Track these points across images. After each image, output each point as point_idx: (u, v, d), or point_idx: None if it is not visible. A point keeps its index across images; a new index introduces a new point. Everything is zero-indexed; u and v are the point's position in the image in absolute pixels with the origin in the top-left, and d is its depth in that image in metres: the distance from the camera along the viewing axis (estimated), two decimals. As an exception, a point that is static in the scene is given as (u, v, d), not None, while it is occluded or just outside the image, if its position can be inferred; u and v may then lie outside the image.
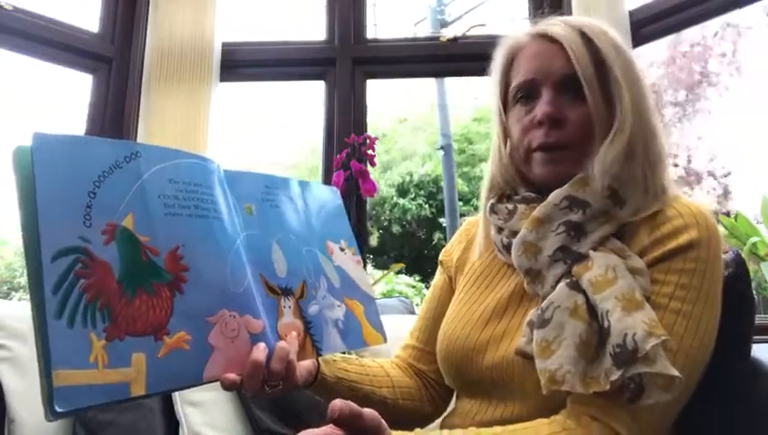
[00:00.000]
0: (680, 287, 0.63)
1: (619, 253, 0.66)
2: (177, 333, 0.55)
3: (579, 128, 0.70)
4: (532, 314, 0.66)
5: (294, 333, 0.67)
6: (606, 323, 0.60)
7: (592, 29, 0.72)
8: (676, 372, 0.57)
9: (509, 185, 0.78)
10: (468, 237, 0.89)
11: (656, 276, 0.65)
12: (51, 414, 0.47)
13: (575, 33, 0.71)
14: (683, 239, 0.65)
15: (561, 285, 0.65)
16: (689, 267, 0.64)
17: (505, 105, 0.79)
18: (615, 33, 0.73)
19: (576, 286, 0.64)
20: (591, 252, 0.66)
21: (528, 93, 0.74)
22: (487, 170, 0.81)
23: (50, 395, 0.47)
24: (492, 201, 0.78)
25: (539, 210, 0.70)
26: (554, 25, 0.73)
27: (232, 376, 0.58)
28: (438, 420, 0.85)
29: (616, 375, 0.58)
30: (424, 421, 0.86)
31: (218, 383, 0.58)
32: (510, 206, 0.75)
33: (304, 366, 0.70)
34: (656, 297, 0.63)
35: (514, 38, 0.78)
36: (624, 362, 0.57)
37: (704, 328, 0.63)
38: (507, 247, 0.73)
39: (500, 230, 0.76)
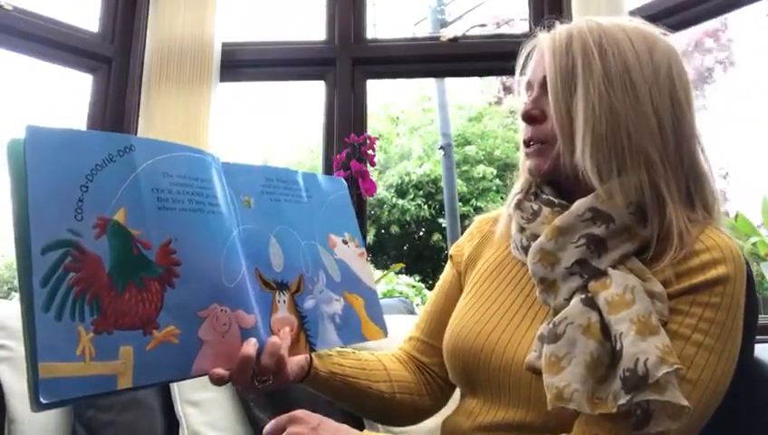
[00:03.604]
0: (704, 320, 0.62)
1: (638, 274, 0.64)
2: (167, 327, 0.55)
3: (554, 127, 0.71)
4: (543, 327, 0.66)
5: (287, 329, 0.67)
6: (618, 345, 0.59)
7: (582, 34, 0.70)
8: (685, 402, 0.56)
9: (536, 181, 0.78)
10: (482, 235, 0.88)
11: (680, 307, 0.63)
12: (36, 406, 0.47)
13: (562, 38, 0.71)
14: (711, 274, 0.64)
15: (576, 300, 0.64)
16: (715, 301, 0.63)
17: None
18: (627, 35, 0.70)
19: (591, 303, 0.63)
20: (610, 269, 0.65)
21: (528, 94, 0.77)
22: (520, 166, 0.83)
23: (35, 387, 0.47)
24: (518, 197, 0.78)
25: (560, 219, 0.69)
26: (550, 33, 0.74)
27: (220, 371, 0.58)
28: (438, 418, 0.85)
29: (624, 399, 0.57)
30: (423, 415, 0.86)
31: (216, 381, 0.58)
32: (535, 206, 0.75)
33: (296, 361, 0.70)
34: (678, 327, 0.62)
35: (535, 39, 0.78)
36: (633, 387, 0.56)
37: (724, 362, 0.62)
38: (526, 249, 0.73)
39: (521, 230, 0.76)
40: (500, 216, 0.83)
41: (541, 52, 0.75)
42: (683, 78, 0.71)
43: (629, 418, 0.58)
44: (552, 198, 0.74)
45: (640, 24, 0.73)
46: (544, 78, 0.72)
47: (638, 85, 0.68)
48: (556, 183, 0.75)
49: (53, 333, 0.48)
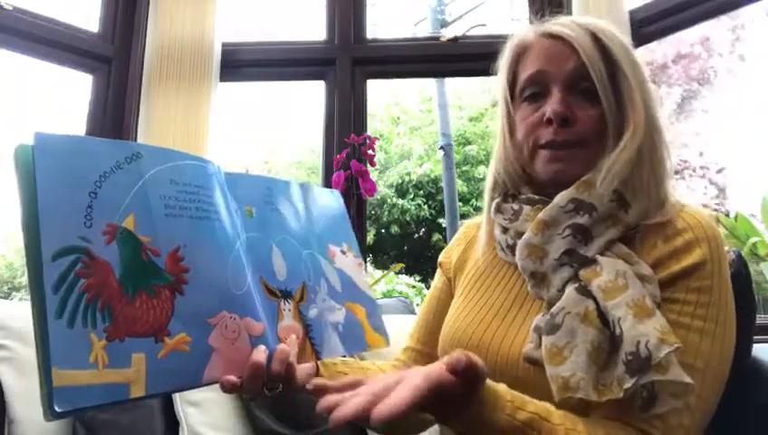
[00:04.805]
0: (700, 306, 0.63)
1: (625, 258, 0.65)
2: (178, 334, 0.55)
3: (589, 129, 0.70)
4: (538, 319, 0.66)
5: (294, 336, 0.66)
6: (618, 331, 0.59)
7: (601, 29, 0.71)
8: (688, 380, 0.56)
9: (513, 182, 0.78)
10: (467, 239, 0.89)
11: (676, 296, 0.64)
12: (50, 414, 0.46)
13: (584, 33, 0.70)
14: (696, 256, 0.64)
15: (570, 290, 0.65)
16: (706, 284, 0.64)
17: (509, 103, 0.79)
18: (622, 35, 0.73)
19: (585, 291, 0.64)
20: (599, 257, 0.65)
21: (537, 91, 0.74)
22: (490, 168, 0.82)
23: (49, 395, 0.46)
24: (497, 201, 0.78)
25: (544, 213, 0.69)
26: (562, 25, 0.73)
27: (232, 378, 0.58)
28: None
29: (629, 383, 0.57)
30: (425, 424, 0.86)
31: (228, 389, 0.58)
32: (515, 206, 0.75)
33: (304, 369, 0.70)
34: (677, 317, 0.63)
35: (522, 36, 0.77)
36: (637, 370, 0.57)
37: (727, 344, 0.63)
38: (512, 248, 0.73)
39: (505, 230, 0.76)
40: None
41: (558, 47, 0.72)
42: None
43: (634, 402, 0.58)
44: (531, 195, 0.75)
45: None
46: (575, 75, 0.70)
47: (650, 83, 0.71)
48: (535, 182, 0.76)
49: (66, 340, 0.48)
